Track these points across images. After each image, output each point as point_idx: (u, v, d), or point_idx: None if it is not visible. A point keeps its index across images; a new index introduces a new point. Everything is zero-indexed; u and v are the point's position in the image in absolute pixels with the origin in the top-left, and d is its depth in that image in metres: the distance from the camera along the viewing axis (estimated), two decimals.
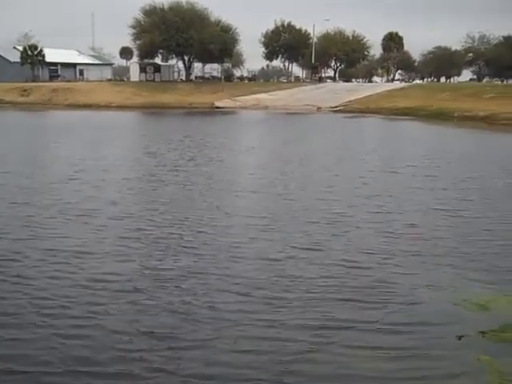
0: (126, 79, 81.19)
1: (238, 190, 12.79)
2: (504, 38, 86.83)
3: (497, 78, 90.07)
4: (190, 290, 6.56)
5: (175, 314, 5.92)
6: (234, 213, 10.43)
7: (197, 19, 69.44)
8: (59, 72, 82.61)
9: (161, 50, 73.13)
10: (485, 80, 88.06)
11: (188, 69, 75.73)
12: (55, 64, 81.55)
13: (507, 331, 5.41)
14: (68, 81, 72.71)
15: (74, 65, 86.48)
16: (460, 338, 5.32)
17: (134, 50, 78.00)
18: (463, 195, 12.01)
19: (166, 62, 76.45)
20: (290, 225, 9.47)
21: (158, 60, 75.94)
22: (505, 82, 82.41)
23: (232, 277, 6.95)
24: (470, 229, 9.25)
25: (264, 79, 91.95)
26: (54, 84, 64.99)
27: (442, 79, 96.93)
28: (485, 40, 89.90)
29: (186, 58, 73.98)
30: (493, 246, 8.30)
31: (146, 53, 72.29)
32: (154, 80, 70.96)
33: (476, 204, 11.18)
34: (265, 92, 59.08)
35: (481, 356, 4.93)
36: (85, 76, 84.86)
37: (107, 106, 52.93)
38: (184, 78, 75.08)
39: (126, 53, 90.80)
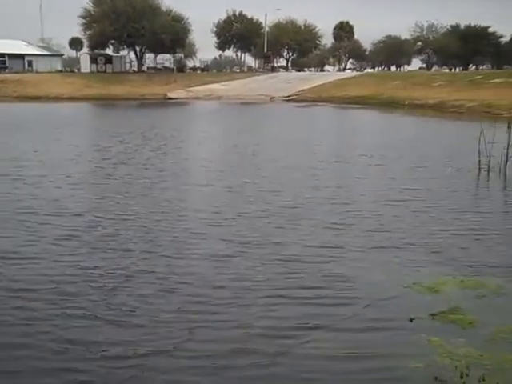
0: (76, 70, 79.72)
1: (187, 184, 12.59)
2: (451, 26, 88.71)
3: (445, 67, 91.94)
4: (134, 292, 6.05)
5: (116, 322, 5.36)
6: (181, 208, 10.10)
7: (148, 9, 68.89)
8: (7, 63, 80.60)
9: (112, 41, 72.28)
10: (433, 68, 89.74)
11: (140, 60, 75.06)
12: (2, 55, 79.52)
13: (456, 313, 5.59)
14: (16, 72, 71.01)
15: (22, 56, 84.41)
16: (411, 320, 5.47)
17: (84, 40, 76.77)
18: (413, 184, 12.18)
19: (118, 52, 75.54)
20: (240, 220, 9.20)
21: (109, 51, 75.02)
22: (453, 71, 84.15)
23: (180, 276, 6.54)
24: (420, 218, 9.39)
25: (217, 69, 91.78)
26: (1, 76, 63.45)
27: (393, 68, 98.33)
28: (433, 29, 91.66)
29: (137, 48, 73.36)
30: (442, 233, 8.48)
31: (97, 43, 71.31)
32: (105, 71, 70.03)
33: (425, 193, 11.37)
34: (218, 82, 59.00)
35: (431, 337, 5.08)
36: (34, 67, 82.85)
37: (58, 98, 52.07)
38: (136, 69, 74.38)
39: (75, 43, 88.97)
